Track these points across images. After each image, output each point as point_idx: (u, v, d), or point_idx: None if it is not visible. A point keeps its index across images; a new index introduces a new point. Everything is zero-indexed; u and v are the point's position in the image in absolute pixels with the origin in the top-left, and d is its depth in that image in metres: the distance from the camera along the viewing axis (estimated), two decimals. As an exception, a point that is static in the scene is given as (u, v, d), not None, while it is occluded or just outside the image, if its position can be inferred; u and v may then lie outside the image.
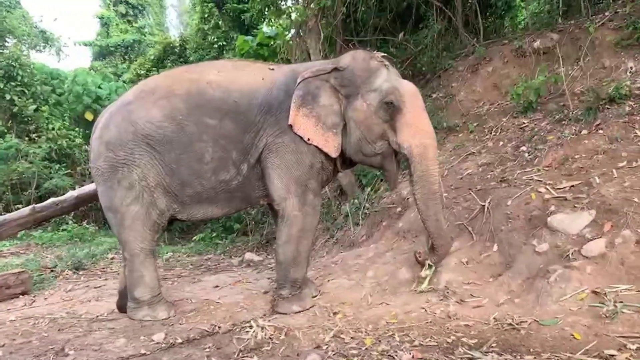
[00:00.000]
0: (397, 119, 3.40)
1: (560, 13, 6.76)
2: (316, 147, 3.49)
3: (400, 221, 5.00)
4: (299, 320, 3.50)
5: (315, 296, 3.92)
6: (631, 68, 5.08)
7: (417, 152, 3.35)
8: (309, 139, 3.45)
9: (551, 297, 3.05)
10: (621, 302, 2.82)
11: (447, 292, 3.54)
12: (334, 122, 3.52)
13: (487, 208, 4.10)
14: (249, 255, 6.27)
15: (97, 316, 3.88)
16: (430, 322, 3.18)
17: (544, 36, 6.23)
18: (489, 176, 4.65)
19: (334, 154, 3.53)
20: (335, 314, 3.55)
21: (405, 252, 4.33)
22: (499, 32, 8.17)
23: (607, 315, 2.77)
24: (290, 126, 3.44)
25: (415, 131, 3.37)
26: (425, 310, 3.37)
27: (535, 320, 2.94)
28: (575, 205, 3.55)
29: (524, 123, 5.29)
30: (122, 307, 3.87)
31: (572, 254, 3.23)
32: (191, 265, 6.23)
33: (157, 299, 3.73)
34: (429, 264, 3.68)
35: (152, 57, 14.85)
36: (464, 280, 3.67)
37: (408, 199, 5.24)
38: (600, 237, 3.22)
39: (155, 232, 3.67)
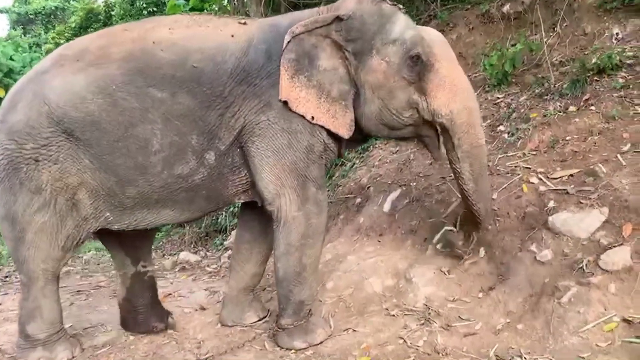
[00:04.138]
0: (428, 78, 2.60)
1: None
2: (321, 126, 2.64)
3: (360, 215, 4.24)
4: (243, 357, 2.72)
5: None
6: (617, 34, 4.45)
7: (461, 120, 2.62)
8: (312, 118, 2.59)
9: (567, 325, 2.38)
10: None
11: (429, 314, 2.84)
12: (341, 91, 2.65)
13: (468, 202, 3.40)
14: (184, 255, 5.41)
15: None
16: (414, 360, 2.47)
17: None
18: (464, 161, 3.94)
19: (346, 134, 2.67)
20: (288, 346, 2.79)
21: (371, 256, 3.59)
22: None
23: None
24: (284, 102, 2.55)
25: (454, 92, 2.61)
26: (405, 341, 2.65)
27: (551, 359, 2.27)
28: (581, 200, 2.86)
29: (498, 98, 4.60)
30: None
31: (586, 265, 2.54)
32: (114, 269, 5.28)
33: (56, 336, 2.83)
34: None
35: (73, 25, 13.29)
36: (448, 295, 2.97)
37: (369, 187, 4.50)
38: (621, 244, 2.53)
39: (66, 250, 2.72)
